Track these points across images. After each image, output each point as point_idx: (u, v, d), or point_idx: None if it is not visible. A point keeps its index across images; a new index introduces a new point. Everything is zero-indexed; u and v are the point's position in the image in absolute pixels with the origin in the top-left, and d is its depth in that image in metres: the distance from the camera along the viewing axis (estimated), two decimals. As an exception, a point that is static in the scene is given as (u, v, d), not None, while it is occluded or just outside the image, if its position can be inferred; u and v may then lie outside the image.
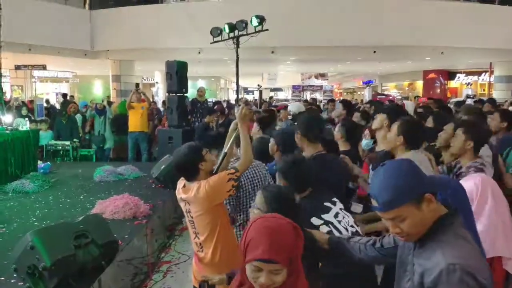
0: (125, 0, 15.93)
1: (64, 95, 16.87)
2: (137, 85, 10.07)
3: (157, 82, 23.99)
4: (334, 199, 2.48)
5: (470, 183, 2.41)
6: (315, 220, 2.34)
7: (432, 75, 23.97)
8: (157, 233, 5.30)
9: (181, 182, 2.88)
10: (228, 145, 3.02)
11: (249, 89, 35.61)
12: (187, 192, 2.76)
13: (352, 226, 2.39)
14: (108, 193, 5.76)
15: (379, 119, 3.51)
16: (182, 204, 2.85)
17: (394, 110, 3.57)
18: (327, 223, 2.31)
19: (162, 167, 6.19)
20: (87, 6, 16.36)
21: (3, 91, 8.38)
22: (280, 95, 36.30)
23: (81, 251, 3.13)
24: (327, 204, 2.43)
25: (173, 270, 4.73)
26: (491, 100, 10.91)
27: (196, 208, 2.74)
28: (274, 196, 2.00)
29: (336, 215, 2.38)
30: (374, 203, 1.55)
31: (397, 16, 13.45)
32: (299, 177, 2.44)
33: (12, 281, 3.21)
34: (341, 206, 2.47)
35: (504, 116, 4.29)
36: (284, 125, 6.15)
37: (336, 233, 2.25)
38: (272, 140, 3.50)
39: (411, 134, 2.86)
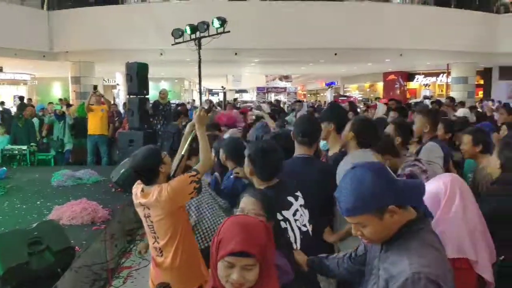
0: (84, 0, 15.60)
1: (21, 98, 16.32)
2: (95, 87, 9.84)
3: (118, 84, 23.55)
4: (298, 193, 2.48)
5: (439, 183, 2.40)
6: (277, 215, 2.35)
7: (392, 77, 24.55)
8: (117, 238, 5.22)
9: (138, 187, 2.84)
10: (185, 148, 3.02)
11: (213, 90, 35.49)
12: (146, 196, 2.72)
13: (304, 225, 2.40)
14: (66, 198, 5.61)
15: (323, 127, 3.32)
16: (140, 209, 2.81)
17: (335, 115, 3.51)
18: (285, 220, 2.31)
19: (121, 171, 6.06)
20: (45, 6, 15.90)
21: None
22: (245, 97, 36.36)
23: (35, 258, 3.05)
24: (290, 198, 2.43)
25: (133, 275, 4.68)
26: (451, 98, 11.36)
27: (157, 212, 2.71)
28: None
29: (294, 213, 2.38)
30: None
31: (357, 19, 13.72)
32: (268, 165, 2.43)
33: (-38, 291, 3.09)
34: (302, 202, 2.48)
35: (448, 128, 4.46)
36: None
37: (290, 233, 2.26)
38: (221, 150, 3.54)
39: (362, 132, 2.93)
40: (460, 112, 8.50)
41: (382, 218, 1.48)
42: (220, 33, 9.09)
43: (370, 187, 1.47)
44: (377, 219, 1.48)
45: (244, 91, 38.69)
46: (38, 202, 5.62)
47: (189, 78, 31.11)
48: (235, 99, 22.07)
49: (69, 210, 4.69)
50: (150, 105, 9.58)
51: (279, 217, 2.28)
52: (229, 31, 9.14)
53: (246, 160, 2.51)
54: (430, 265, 1.41)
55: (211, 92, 35.45)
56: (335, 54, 14.46)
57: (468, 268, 2.25)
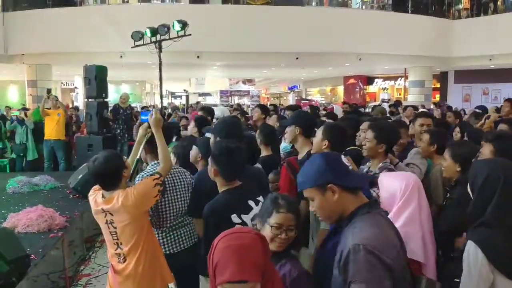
0: (40, 2, 15.16)
1: None
2: (48, 90, 9.57)
3: (76, 87, 23.00)
4: (260, 198, 2.47)
5: (397, 182, 2.45)
6: (234, 218, 2.35)
7: (352, 81, 25.06)
8: (75, 245, 5.11)
9: (96, 193, 2.78)
10: (140, 151, 3.01)
11: (176, 93, 35.17)
12: (109, 202, 2.67)
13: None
14: (21, 205, 5.41)
15: (290, 131, 3.42)
16: (100, 216, 2.73)
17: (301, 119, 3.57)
18: (243, 224, 2.33)
19: (79, 177, 5.93)
20: (-1, 7, 15.38)
21: None
22: (209, 100, 36.18)
23: (-14, 268, 2.94)
24: (251, 202, 2.43)
25: (92, 283, 4.60)
26: (399, 103, 11.66)
27: (122, 218, 2.67)
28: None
29: (253, 218, 2.35)
30: None
31: (317, 23, 13.94)
32: (231, 165, 2.44)
33: None
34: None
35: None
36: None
37: None
38: (195, 148, 3.44)
39: (335, 138, 2.98)
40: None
41: (324, 194, 1.72)
42: (181, 36, 9.04)
43: (315, 166, 1.76)
44: (320, 194, 1.73)
45: (208, 94, 38.57)
46: (-8, 210, 5.42)
47: (150, 81, 30.73)
48: (197, 102, 21.91)
49: (25, 218, 4.54)
50: (110, 108, 9.43)
51: (237, 220, 2.30)
52: (190, 34, 9.10)
53: (210, 160, 2.51)
54: (369, 238, 1.56)
55: (173, 95, 35.12)
56: (297, 58, 14.63)
57: (416, 269, 2.33)
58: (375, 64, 18.39)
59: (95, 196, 2.77)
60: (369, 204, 1.74)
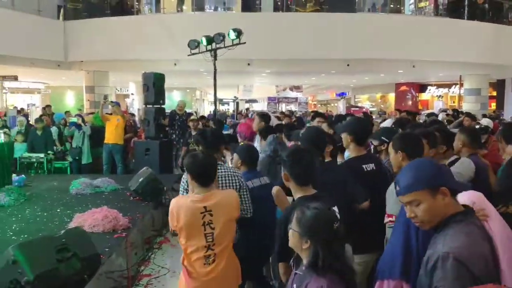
0: (99, 11, 15.82)
1: (48, 106, 16.34)
2: (105, 96, 10.02)
3: (132, 94, 23.79)
4: (335, 208, 2.45)
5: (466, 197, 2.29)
6: None
7: (404, 88, 24.53)
8: (136, 246, 5.27)
9: (185, 197, 2.85)
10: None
11: (224, 100, 35.66)
12: (210, 198, 2.71)
13: None
14: (85, 206, 5.69)
15: (343, 138, 3.46)
16: (197, 218, 2.69)
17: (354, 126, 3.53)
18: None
19: (140, 180, 6.14)
20: (61, 17, 16.17)
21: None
22: (256, 107, 36.48)
23: (63, 265, 3.09)
24: None
25: (153, 283, 4.71)
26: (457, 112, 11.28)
27: (225, 217, 2.73)
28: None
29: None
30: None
31: (370, 30, 13.78)
32: (300, 167, 2.43)
33: (-9, 296, 3.14)
34: (338, 217, 2.46)
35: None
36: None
37: None
38: (235, 156, 3.61)
39: (409, 147, 2.76)
40: (484, 121, 8.45)
41: (435, 197, 1.71)
42: (236, 44, 9.16)
43: (427, 169, 1.77)
44: (430, 197, 1.71)
45: (255, 101, 38.86)
46: (58, 210, 5.69)
47: (200, 88, 31.32)
48: (247, 109, 22.12)
49: (91, 218, 4.75)
50: (167, 115, 9.70)
51: None
52: (244, 43, 9.22)
53: (282, 167, 2.54)
54: (460, 247, 1.58)
55: (221, 101, 35.62)
56: (348, 65, 14.51)
57: None
58: (429, 71, 17.97)
59: (186, 199, 2.80)
60: (464, 212, 1.75)
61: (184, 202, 2.76)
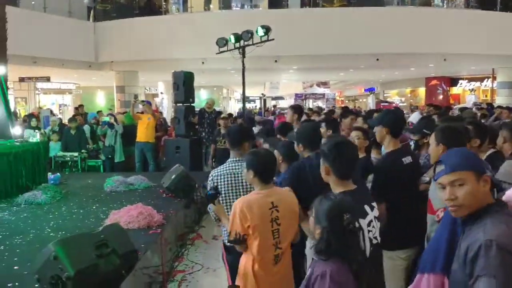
0: (128, 12, 16.07)
1: (80, 106, 16.71)
2: (135, 96, 10.18)
3: (161, 93, 24.12)
4: (373, 203, 2.40)
5: None
6: None
7: (434, 82, 24.03)
8: (170, 242, 5.33)
9: (249, 196, 2.73)
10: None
11: (250, 98, 35.73)
12: (273, 195, 2.67)
13: (375, 237, 2.33)
14: (120, 203, 5.79)
15: (378, 131, 3.37)
16: (266, 214, 2.62)
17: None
18: (359, 229, 2.22)
19: (172, 177, 6.22)
20: (91, 18, 16.50)
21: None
22: (282, 104, 36.38)
23: (102, 260, 3.15)
24: (367, 207, 2.34)
25: (187, 279, 4.75)
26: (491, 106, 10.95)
27: (289, 213, 2.68)
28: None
29: (369, 223, 2.30)
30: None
31: (399, 23, 13.54)
32: (341, 160, 2.35)
33: (33, 291, 3.21)
34: (376, 213, 2.39)
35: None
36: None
37: (361, 243, 2.19)
38: (276, 152, 3.50)
39: (451, 140, 2.70)
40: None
41: (478, 182, 1.73)
42: (264, 41, 9.14)
43: (472, 155, 1.84)
44: (475, 180, 1.73)
45: (281, 98, 38.75)
46: (94, 207, 5.81)
47: (227, 86, 31.45)
48: (274, 106, 22.10)
49: (126, 215, 4.82)
50: (196, 113, 9.77)
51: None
52: (273, 39, 9.20)
53: (321, 160, 2.44)
54: (501, 235, 1.59)
55: (248, 99, 35.71)
56: (377, 59, 14.30)
57: None
58: (460, 64, 17.54)
59: (252, 195, 2.70)
60: (499, 204, 1.77)
61: (253, 197, 2.66)
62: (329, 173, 2.39)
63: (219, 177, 3.22)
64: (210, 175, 3.32)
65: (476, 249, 1.58)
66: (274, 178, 3.07)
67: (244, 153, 3.36)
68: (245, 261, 2.68)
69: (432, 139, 2.83)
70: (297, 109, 5.76)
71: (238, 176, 3.19)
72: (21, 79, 19.50)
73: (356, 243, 2.07)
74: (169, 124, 12.20)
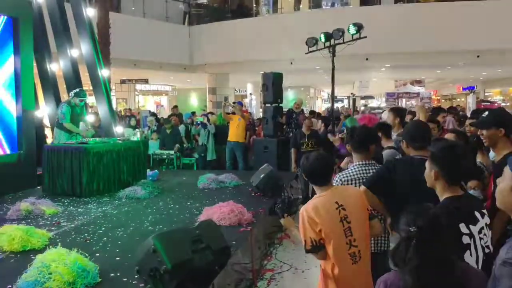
0: (221, 15, 16.59)
1: (175, 107, 17.62)
2: (225, 98, 10.56)
3: (250, 94, 24.62)
4: (484, 210, 2.23)
5: None
6: (463, 227, 2.09)
7: (543, 79, 21.99)
8: (259, 240, 5.41)
9: (318, 198, 2.68)
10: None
11: (338, 97, 35.16)
12: (335, 194, 2.64)
13: (487, 246, 2.14)
14: (212, 200, 5.99)
15: (490, 134, 3.04)
16: (335, 213, 2.57)
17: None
18: (471, 236, 2.08)
19: (261, 176, 6.32)
20: (186, 22, 17.26)
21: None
22: (372, 103, 35.36)
23: (197, 255, 3.26)
24: (477, 214, 2.18)
25: (276, 278, 4.79)
26: None
27: (357, 209, 2.64)
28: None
29: (480, 231, 2.13)
30: None
31: (502, 17, 12.55)
32: (454, 164, 2.18)
33: (133, 282, 3.40)
34: (488, 221, 2.22)
35: None
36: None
37: (473, 251, 2.04)
38: None
39: None
40: None
41: None
42: (356, 39, 8.93)
43: None
44: None
45: (371, 97, 37.70)
46: (188, 203, 6.07)
47: (314, 86, 31.26)
48: (365, 105, 21.55)
49: (218, 211, 4.97)
50: (284, 113, 9.84)
51: (465, 230, 2.07)
52: (365, 37, 8.97)
53: (428, 163, 2.29)
54: None
55: (336, 99, 35.19)
56: (478, 56, 13.40)
57: None
58: None
59: (315, 199, 2.67)
60: None
61: (317, 201, 2.62)
62: (438, 178, 2.22)
63: (348, 183, 3.17)
64: (335, 180, 3.19)
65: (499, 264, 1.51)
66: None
67: (369, 156, 3.27)
68: (324, 266, 2.63)
69: None
70: (398, 111, 5.22)
71: None
72: (122, 81, 20.96)
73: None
74: (256, 124, 12.42)
